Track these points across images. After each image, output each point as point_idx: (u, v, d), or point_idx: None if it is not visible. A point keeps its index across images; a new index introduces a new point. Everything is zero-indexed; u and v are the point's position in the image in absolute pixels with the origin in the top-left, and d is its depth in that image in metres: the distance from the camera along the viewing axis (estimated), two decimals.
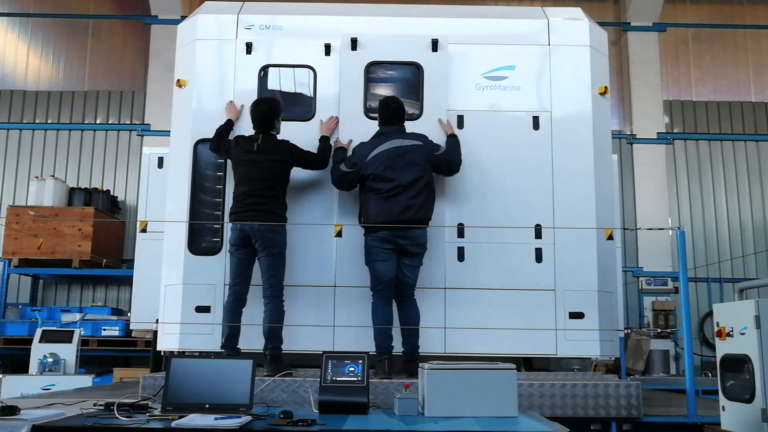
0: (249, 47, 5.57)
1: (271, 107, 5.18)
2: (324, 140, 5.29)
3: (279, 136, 5.18)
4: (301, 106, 5.57)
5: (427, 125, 5.37)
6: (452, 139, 5.26)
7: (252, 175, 4.98)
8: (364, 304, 5.21)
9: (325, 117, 5.45)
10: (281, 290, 4.98)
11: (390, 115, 5.15)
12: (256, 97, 5.37)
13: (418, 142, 5.07)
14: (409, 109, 5.38)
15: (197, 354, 5.02)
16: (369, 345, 4.84)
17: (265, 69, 5.58)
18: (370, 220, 4.96)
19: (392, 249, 4.95)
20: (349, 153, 5.23)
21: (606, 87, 5.65)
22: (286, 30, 5.67)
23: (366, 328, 5.10)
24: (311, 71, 5.56)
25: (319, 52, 5.56)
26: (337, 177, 5.12)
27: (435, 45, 5.51)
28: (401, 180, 4.92)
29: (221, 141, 5.27)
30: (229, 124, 5.36)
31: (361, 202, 5.15)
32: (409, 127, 5.25)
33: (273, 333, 4.86)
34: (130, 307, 8.12)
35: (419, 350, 4.95)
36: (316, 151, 5.23)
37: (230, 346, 4.89)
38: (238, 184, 5.06)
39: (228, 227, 5.11)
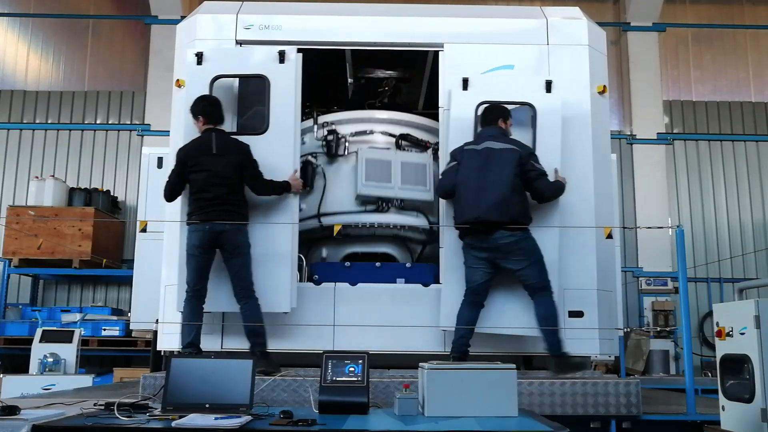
0: (199, 57, 5.36)
1: (214, 101, 5.13)
2: (285, 186, 5.08)
3: None
4: (254, 119, 5.34)
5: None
6: (557, 182, 5.09)
7: (215, 180, 4.88)
8: (365, 304, 5.23)
9: (281, 131, 5.20)
10: (254, 288, 4.93)
11: (483, 116, 5.20)
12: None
13: (512, 146, 4.99)
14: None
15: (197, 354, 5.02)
16: (369, 345, 4.84)
17: (215, 80, 5.30)
18: (455, 221, 5.02)
19: (480, 257, 4.94)
20: None
21: (605, 86, 5.64)
22: (285, 30, 5.67)
23: (366, 328, 5.11)
24: (264, 81, 5.28)
25: (273, 60, 5.29)
26: (441, 177, 5.15)
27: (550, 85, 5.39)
28: (487, 181, 4.89)
29: (176, 188, 5.04)
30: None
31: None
32: None
33: (257, 331, 4.83)
34: (130, 307, 8.13)
35: (561, 346, 4.87)
36: (268, 179, 5.02)
37: (196, 345, 4.83)
38: (200, 189, 4.91)
39: (187, 230, 4.94)
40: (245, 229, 4.97)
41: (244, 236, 4.96)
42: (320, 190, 5.94)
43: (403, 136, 6.09)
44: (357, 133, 6.06)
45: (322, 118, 6.11)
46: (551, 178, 5.07)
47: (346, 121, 6.14)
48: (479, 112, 5.27)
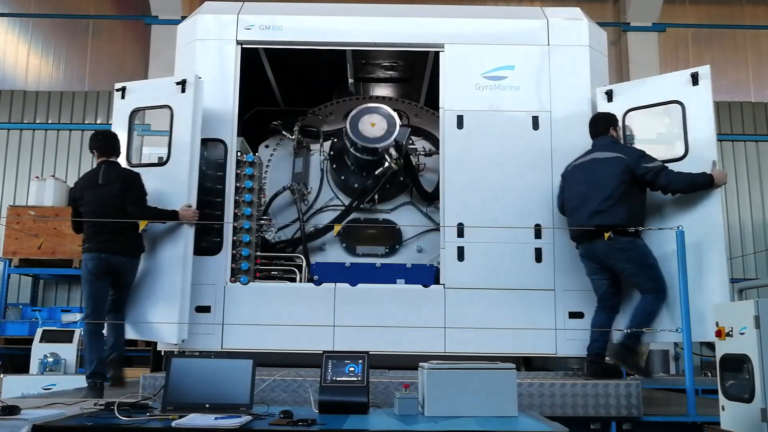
0: (123, 92, 5.58)
1: (109, 135, 5.38)
2: (170, 214, 5.09)
3: None
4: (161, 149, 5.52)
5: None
6: (695, 175, 4.92)
7: (100, 210, 5.01)
8: (365, 305, 5.23)
9: (179, 161, 5.24)
10: (125, 308, 5.17)
11: (591, 128, 5.26)
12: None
13: (618, 154, 5.01)
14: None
15: (197, 354, 5.03)
16: (369, 345, 4.84)
17: (134, 113, 5.59)
18: (571, 233, 5.13)
19: (593, 264, 5.05)
20: None
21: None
22: (286, 30, 5.67)
23: (366, 328, 5.11)
24: (169, 110, 5.37)
25: (177, 90, 5.32)
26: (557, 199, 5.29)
27: None
28: (590, 190, 4.97)
29: (76, 223, 5.22)
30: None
31: None
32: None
33: (120, 341, 5.15)
34: None
35: (600, 352, 4.94)
36: (150, 205, 5.11)
37: (101, 374, 4.95)
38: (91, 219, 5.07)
39: (83, 258, 5.03)
40: (136, 260, 5.15)
41: (136, 266, 5.15)
42: None
43: None
44: None
45: None
46: (708, 170, 4.93)
47: None
48: (590, 122, 5.29)
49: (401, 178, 6.13)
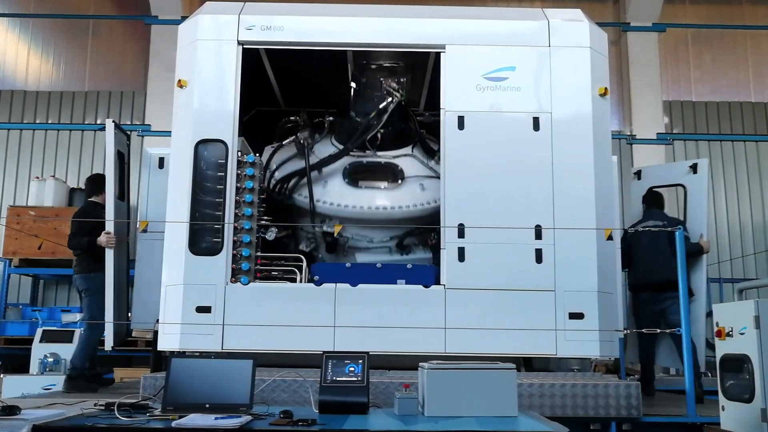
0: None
1: (89, 179, 6.82)
2: (89, 241, 6.15)
3: None
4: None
5: None
6: (693, 243, 6.72)
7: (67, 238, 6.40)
8: (366, 305, 5.23)
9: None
10: (95, 325, 6.15)
11: (644, 199, 7.15)
12: None
13: (662, 222, 6.61)
14: None
15: (197, 354, 5.04)
16: (369, 346, 4.85)
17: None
18: (634, 282, 6.92)
19: (650, 309, 6.71)
20: None
21: (606, 88, 5.65)
22: (286, 30, 5.68)
23: (366, 329, 5.12)
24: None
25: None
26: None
27: None
28: (648, 252, 6.56)
29: None
30: None
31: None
32: None
33: (78, 355, 6.15)
34: (130, 307, 8.11)
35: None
36: (78, 236, 6.24)
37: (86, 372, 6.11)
38: None
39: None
40: (88, 276, 6.27)
41: (85, 282, 6.29)
42: None
43: None
44: None
45: None
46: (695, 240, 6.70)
47: None
48: (646, 194, 7.14)
49: (403, 125, 6.27)
